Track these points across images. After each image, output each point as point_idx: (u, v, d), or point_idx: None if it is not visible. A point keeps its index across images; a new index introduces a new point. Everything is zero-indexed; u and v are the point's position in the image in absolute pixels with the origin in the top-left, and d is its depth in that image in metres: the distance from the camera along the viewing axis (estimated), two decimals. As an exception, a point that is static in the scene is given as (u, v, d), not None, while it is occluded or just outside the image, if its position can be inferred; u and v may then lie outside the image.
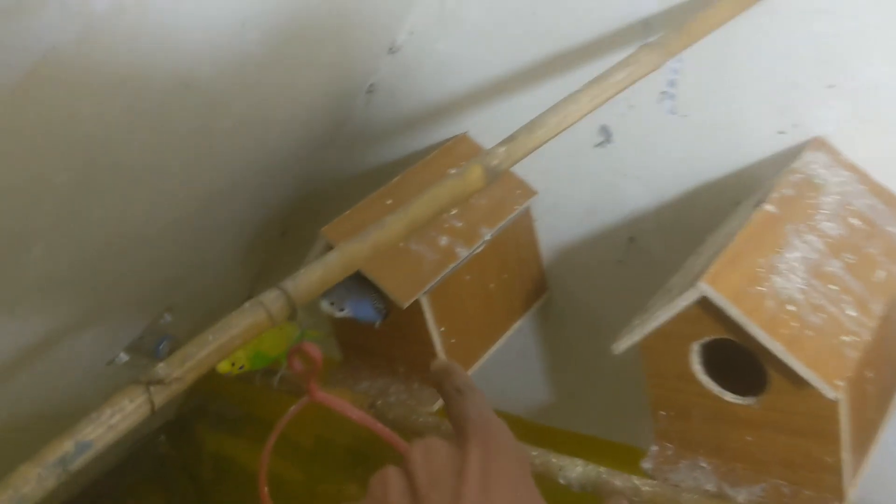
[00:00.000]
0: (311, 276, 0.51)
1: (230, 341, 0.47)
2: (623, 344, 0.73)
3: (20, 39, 0.53)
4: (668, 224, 0.94)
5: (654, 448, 0.77)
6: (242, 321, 0.47)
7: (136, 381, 0.44)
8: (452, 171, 0.61)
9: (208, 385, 1.71)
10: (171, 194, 0.84)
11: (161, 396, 0.44)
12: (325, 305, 0.91)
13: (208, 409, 1.75)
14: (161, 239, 0.91)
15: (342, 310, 0.92)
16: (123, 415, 0.43)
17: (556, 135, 0.64)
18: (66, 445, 0.42)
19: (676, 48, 0.70)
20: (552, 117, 0.64)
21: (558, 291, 1.08)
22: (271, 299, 0.49)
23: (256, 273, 1.39)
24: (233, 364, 0.95)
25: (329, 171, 1.20)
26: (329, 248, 0.88)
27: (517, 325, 1.04)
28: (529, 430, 1.14)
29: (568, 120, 0.64)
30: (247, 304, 0.48)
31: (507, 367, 1.16)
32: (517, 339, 1.06)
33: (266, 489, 0.56)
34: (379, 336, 0.95)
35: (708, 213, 0.91)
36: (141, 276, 0.96)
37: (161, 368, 0.45)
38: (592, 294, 1.04)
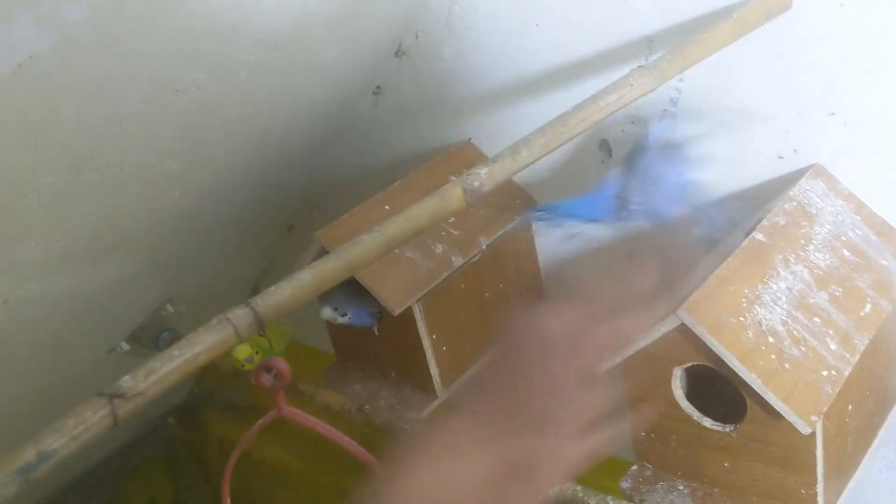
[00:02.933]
0: (281, 294, 0.52)
1: (195, 357, 0.48)
2: (605, 364, 0.73)
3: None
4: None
5: (634, 468, 0.77)
6: (209, 337, 0.48)
7: (101, 393, 0.45)
8: (452, 178, 0.60)
9: (215, 375, 1.74)
10: (165, 194, 0.85)
11: (124, 410, 0.45)
12: (327, 312, 0.91)
13: (216, 396, 1.78)
14: (157, 233, 0.92)
15: (345, 315, 0.92)
16: (86, 427, 0.44)
17: (541, 157, 0.64)
18: (28, 455, 0.43)
19: (671, 72, 0.70)
20: (538, 139, 0.64)
21: (556, 302, 1.08)
22: (239, 316, 0.50)
23: (264, 268, 1.40)
24: (256, 352, 1.02)
25: (337, 168, 1.21)
26: (323, 252, 0.89)
27: (512, 333, 1.04)
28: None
29: (553, 143, 0.64)
30: (214, 320, 0.49)
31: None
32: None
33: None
34: (373, 340, 0.96)
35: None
36: (140, 266, 0.98)
37: (125, 381, 0.46)
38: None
